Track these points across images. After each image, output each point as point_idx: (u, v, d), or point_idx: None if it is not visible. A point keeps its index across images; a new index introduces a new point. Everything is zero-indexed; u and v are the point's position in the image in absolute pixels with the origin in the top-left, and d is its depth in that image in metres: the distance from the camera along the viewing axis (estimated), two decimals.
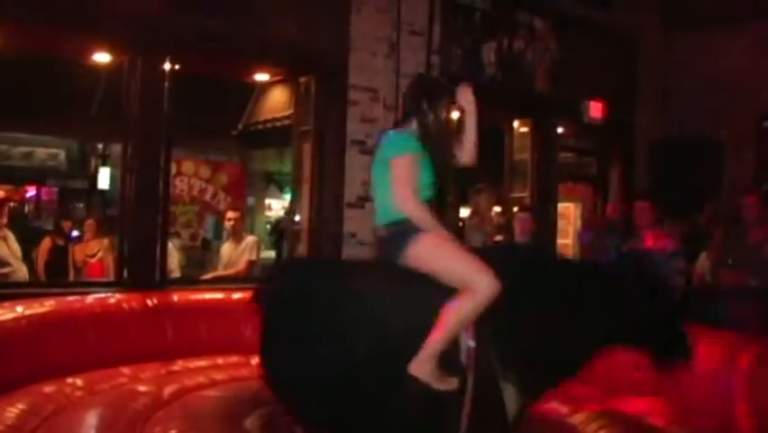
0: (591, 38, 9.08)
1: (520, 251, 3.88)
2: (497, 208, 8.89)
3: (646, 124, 9.83)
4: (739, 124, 9.21)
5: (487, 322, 3.19)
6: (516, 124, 8.98)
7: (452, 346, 3.16)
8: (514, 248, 3.98)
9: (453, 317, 3.12)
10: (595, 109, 9.00)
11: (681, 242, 6.48)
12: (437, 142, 3.50)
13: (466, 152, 3.70)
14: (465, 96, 3.71)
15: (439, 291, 3.17)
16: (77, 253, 7.71)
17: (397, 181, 3.33)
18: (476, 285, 3.12)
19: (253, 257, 7.28)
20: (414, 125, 3.50)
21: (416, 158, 3.36)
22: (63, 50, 6.71)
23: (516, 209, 7.90)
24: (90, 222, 7.97)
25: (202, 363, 5.07)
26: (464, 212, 9.12)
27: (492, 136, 9.18)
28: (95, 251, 7.52)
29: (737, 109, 9.14)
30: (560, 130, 9.19)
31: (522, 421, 3.35)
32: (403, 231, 3.30)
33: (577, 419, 4.25)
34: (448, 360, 3.16)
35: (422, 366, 3.11)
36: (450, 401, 3.15)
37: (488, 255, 3.33)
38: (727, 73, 9.16)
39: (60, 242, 8.03)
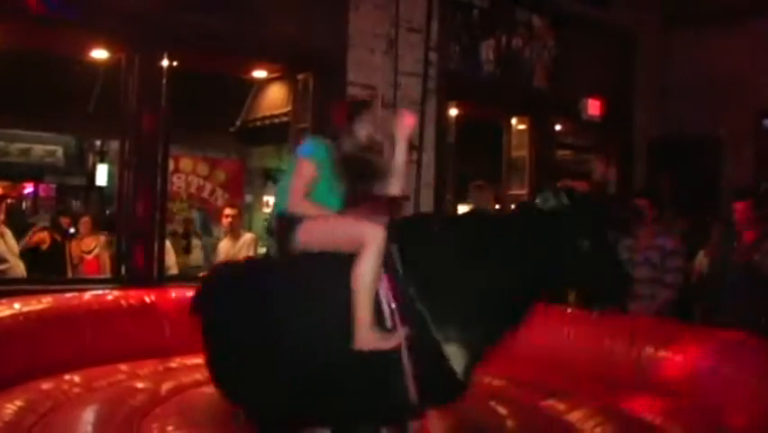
0: (590, 35, 9.09)
1: (435, 216, 3.91)
2: (495, 206, 8.89)
3: (644, 121, 9.84)
4: (738, 122, 9.21)
5: (411, 283, 3.24)
6: (514, 121, 8.99)
7: (379, 317, 3.22)
8: (427, 214, 4.04)
9: (361, 279, 3.18)
10: (593, 107, 9.01)
11: (681, 240, 6.48)
12: (353, 164, 3.55)
13: (394, 180, 3.67)
14: (400, 122, 3.72)
15: (345, 266, 3.22)
16: (74, 249, 7.70)
17: (293, 181, 3.45)
18: (363, 238, 3.21)
19: (251, 254, 7.27)
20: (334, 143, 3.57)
21: (317, 165, 3.44)
22: (61, 46, 6.70)
23: (512, 207, 7.89)
24: (86, 219, 7.97)
25: (199, 360, 5.05)
26: (462, 209, 9.12)
27: (490, 133, 9.22)
28: (91, 247, 7.52)
29: (736, 107, 9.15)
30: (558, 127, 9.20)
31: (472, 377, 3.35)
32: (290, 221, 3.41)
33: (574, 416, 4.26)
34: (380, 330, 3.21)
35: (365, 338, 3.17)
36: (391, 369, 3.18)
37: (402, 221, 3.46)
38: (726, 71, 9.16)
39: (58, 238, 8.03)
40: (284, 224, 3.43)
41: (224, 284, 3.67)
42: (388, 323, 3.22)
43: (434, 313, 3.22)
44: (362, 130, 3.58)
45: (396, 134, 3.69)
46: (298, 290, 3.35)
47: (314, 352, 3.24)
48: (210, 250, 8.96)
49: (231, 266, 4.02)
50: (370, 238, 3.20)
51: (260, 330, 3.32)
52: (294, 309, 3.30)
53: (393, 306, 3.22)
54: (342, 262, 3.22)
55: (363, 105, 3.76)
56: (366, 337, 3.16)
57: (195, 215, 9.85)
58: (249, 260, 4.76)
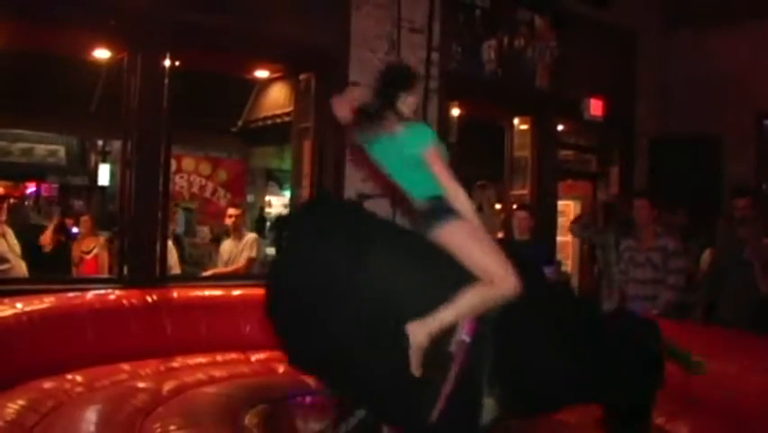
0: (591, 35, 9.08)
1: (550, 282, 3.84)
2: (497, 205, 8.90)
3: (646, 121, 9.83)
4: (739, 123, 9.20)
5: (496, 333, 3.22)
6: (516, 121, 8.99)
7: (447, 335, 3.18)
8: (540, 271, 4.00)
9: (468, 301, 3.16)
10: (595, 107, 9.01)
11: (681, 232, 6.48)
12: None
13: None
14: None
15: (461, 273, 3.20)
16: (74, 249, 7.70)
17: (443, 175, 3.35)
18: (498, 280, 3.17)
19: (253, 254, 7.27)
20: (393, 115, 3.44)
21: (439, 147, 3.42)
22: (63, 46, 6.71)
23: (514, 207, 7.90)
24: (86, 218, 7.96)
25: (201, 359, 5.07)
26: None
27: (492, 133, 9.22)
28: (90, 247, 7.51)
29: (737, 107, 9.14)
30: (560, 127, 9.19)
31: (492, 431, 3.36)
32: (444, 207, 3.34)
33: (576, 416, 4.25)
34: (440, 346, 3.18)
35: (419, 330, 3.13)
36: (432, 381, 3.18)
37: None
38: (727, 71, 9.15)
39: (62, 238, 8.04)
40: (435, 207, 3.36)
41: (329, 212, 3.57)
42: (452, 348, 3.20)
43: (494, 365, 3.22)
44: (408, 106, 3.48)
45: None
46: (405, 258, 3.30)
47: (380, 321, 3.20)
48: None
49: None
50: (502, 284, 3.17)
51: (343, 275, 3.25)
52: (389, 274, 3.24)
53: (465, 338, 3.20)
54: (458, 268, 3.20)
55: (409, 77, 3.58)
56: (420, 331, 3.12)
57: (180, 215, 9.81)
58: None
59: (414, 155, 3.38)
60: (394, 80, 3.51)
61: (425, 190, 3.42)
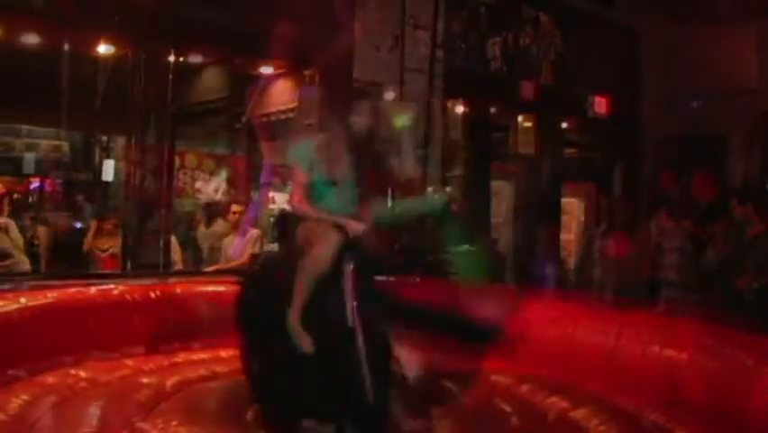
0: (596, 34, 9.08)
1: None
2: None
3: (651, 119, 9.82)
4: (744, 121, 9.19)
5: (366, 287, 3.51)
6: (520, 118, 8.98)
7: (343, 316, 3.47)
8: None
9: (305, 270, 3.52)
10: (599, 105, 9.01)
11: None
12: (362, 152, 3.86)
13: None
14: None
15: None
16: (90, 245, 7.66)
17: (293, 185, 3.83)
18: (322, 240, 3.54)
19: (256, 250, 7.26)
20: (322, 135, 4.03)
21: (303, 166, 3.75)
22: (68, 42, 6.71)
23: None
24: (113, 220, 7.94)
25: (204, 355, 5.07)
26: None
27: (497, 131, 9.21)
28: (105, 247, 7.47)
29: (743, 106, 9.12)
30: (564, 125, 9.19)
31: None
32: (294, 219, 3.76)
33: (579, 413, 4.25)
34: (338, 321, 3.44)
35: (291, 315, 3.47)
36: (349, 364, 3.40)
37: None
38: (732, 69, 9.14)
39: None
40: (286, 221, 3.85)
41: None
42: (351, 321, 3.44)
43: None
44: (361, 121, 3.82)
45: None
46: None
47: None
48: None
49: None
50: (326, 238, 3.52)
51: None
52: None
53: (353, 303, 3.46)
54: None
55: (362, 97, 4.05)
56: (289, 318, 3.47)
57: None
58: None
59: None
60: None
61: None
